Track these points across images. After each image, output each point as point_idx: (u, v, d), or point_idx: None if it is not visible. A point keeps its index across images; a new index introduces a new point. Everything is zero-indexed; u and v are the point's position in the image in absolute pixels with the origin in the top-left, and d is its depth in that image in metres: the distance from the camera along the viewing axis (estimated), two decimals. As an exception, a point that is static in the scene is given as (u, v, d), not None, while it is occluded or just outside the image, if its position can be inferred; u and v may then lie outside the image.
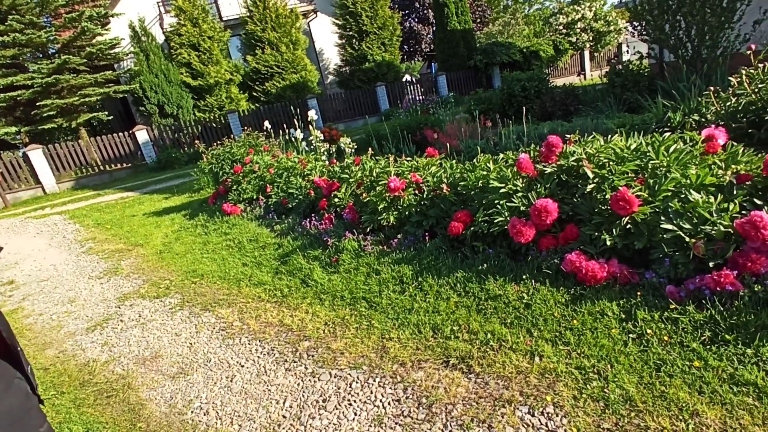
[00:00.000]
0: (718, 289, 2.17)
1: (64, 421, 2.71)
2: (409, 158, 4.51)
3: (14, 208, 12.63)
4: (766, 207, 2.29)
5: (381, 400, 2.32)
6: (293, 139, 8.06)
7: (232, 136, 11.79)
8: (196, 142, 9.26)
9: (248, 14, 18.29)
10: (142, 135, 15.38)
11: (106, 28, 16.43)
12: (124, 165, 15.31)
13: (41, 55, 15.90)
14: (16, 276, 5.97)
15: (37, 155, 13.81)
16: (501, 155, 3.65)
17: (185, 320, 3.76)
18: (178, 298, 4.24)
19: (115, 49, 16.83)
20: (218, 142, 8.67)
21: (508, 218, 3.03)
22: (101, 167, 15.01)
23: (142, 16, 16.72)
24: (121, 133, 15.38)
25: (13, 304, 4.98)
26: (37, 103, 14.61)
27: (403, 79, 20.24)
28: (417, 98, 18.15)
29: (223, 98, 17.67)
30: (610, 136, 3.33)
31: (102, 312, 4.31)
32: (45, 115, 14.84)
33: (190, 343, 3.37)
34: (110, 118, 16.91)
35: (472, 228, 3.26)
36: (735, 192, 2.48)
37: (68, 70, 15.37)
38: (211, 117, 16.87)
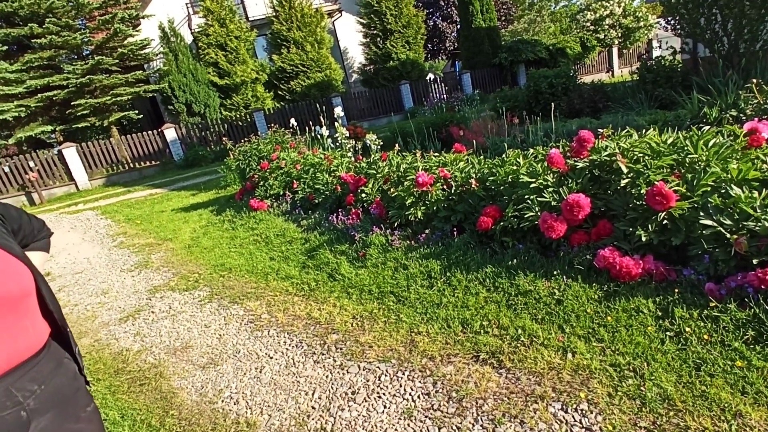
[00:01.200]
0: (762, 287, 2.09)
1: (101, 406, 2.80)
2: (436, 154, 4.49)
3: (49, 204, 13.12)
4: (814, 202, 2.19)
5: (411, 394, 2.31)
6: (319, 136, 8.12)
7: (258, 134, 11.97)
8: (224, 139, 9.44)
9: (274, 14, 18.51)
10: (170, 133, 15.75)
11: (137, 30, 16.90)
12: (153, 162, 15.71)
13: (76, 57, 16.45)
14: (51, 268, 6.20)
15: (71, 153, 14.30)
16: (530, 150, 3.60)
17: (214, 312, 3.83)
18: (206, 290, 4.33)
19: (146, 50, 17.29)
20: (245, 140, 8.81)
21: (539, 213, 2.98)
22: (131, 165, 15.44)
23: (171, 17, 17.11)
24: (150, 132, 15.78)
25: (50, 294, 5.16)
26: (72, 103, 15.12)
27: (427, 78, 20.15)
28: (442, 96, 18.07)
29: (249, 97, 17.94)
30: (644, 131, 3.24)
31: (134, 303, 4.43)
32: (79, 114, 15.35)
33: (220, 335, 3.43)
34: (140, 116, 17.36)
35: (501, 223, 3.22)
36: (780, 187, 2.38)
37: (101, 70, 15.87)
38: (238, 115, 17.15)
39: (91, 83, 15.32)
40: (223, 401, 2.66)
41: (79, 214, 10.10)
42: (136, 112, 16.89)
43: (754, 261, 2.18)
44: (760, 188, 2.39)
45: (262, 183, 6.80)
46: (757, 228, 2.22)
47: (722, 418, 1.75)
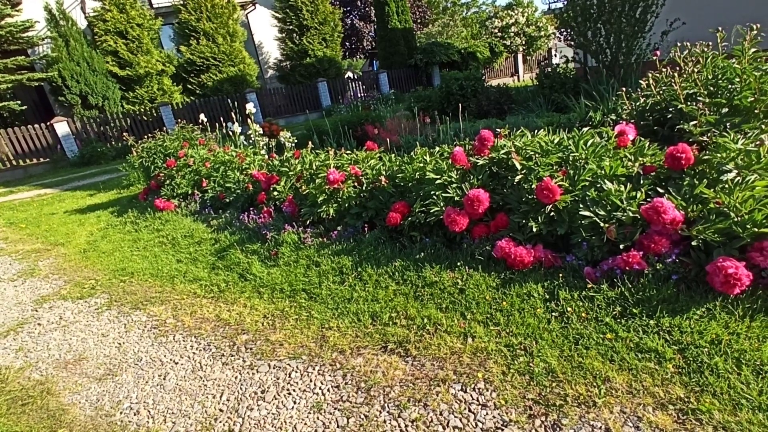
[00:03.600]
0: (627, 268, 2.40)
1: (-27, 432, 2.49)
2: (348, 152, 4.54)
3: None
4: (666, 194, 2.55)
5: (321, 388, 2.34)
6: (231, 133, 7.80)
7: (164, 129, 11.19)
8: (125, 135, 8.71)
9: (182, 2, 17.41)
10: (62, 127, 14.20)
11: (16, 9, 14.97)
12: (41, 160, 14.08)
13: (-61, 37, 14.23)
14: None
15: (-65, 148, 12.37)
16: (437, 148, 3.78)
17: (113, 320, 3.56)
18: (104, 297, 4.00)
19: (29, 33, 15.40)
20: (149, 136, 8.22)
21: (444, 208, 3.15)
22: (13, 162, 13.71)
23: (60, -1, 15.42)
24: (37, 126, 14.10)
25: None
26: (-65, 90, 13.08)
27: (345, 76, 20.20)
28: (359, 95, 18.21)
29: (154, 90, 16.72)
30: (536, 132, 3.55)
31: (16, 316, 3.97)
32: (-56, 103, 13.33)
33: (119, 344, 3.20)
34: (24, 108, 15.41)
35: (409, 218, 3.35)
36: (642, 181, 2.74)
37: (-28, 54, 13.89)
38: (142, 110, 15.90)
39: (-41, 68, 13.36)
40: (121, 413, 2.49)
41: (-55, 219, 8.77)
42: (19, 102, 14.97)
43: (621, 246, 2.50)
44: (626, 183, 2.74)
45: (168, 182, 6.40)
46: (623, 217, 2.55)
47: (594, 384, 1.99)
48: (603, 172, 2.82)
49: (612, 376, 2.00)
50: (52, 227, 6.78)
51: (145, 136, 8.56)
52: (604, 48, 7.91)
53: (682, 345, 2.04)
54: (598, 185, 2.76)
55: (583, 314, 2.36)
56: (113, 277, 4.40)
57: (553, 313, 2.44)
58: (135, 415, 2.45)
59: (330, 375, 2.42)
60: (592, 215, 2.63)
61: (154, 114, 15.88)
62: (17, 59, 14.55)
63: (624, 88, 4.21)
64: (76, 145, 14.37)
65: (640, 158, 2.91)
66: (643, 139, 3.11)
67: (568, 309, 2.41)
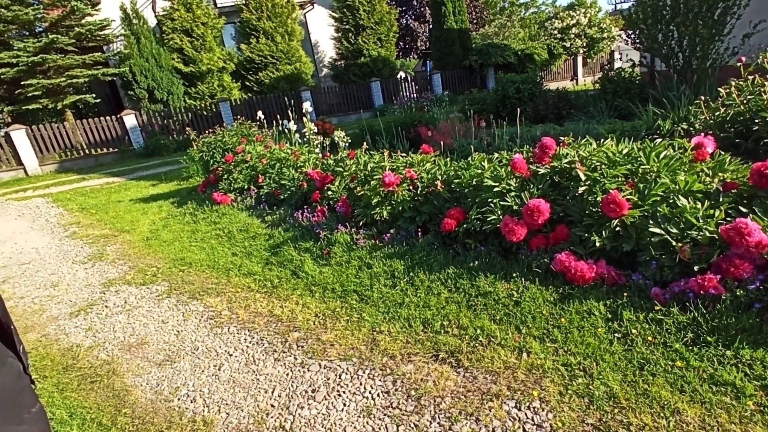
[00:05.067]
0: (701, 292, 2.24)
1: (48, 404, 2.68)
2: (403, 154, 4.53)
3: (-5, 188, 12.35)
4: (750, 214, 2.35)
5: (370, 392, 2.34)
6: (286, 130, 8.00)
7: (223, 124, 11.66)
8: (187, 129, 9.14)
9: (244, 2, 18.05)
10: (130, 120, 15.12)
11: (96, 9, 16.06)
12: (111, 150, 15.05)
13: (27, 33, 15.49)
14: (-4, 258, 5.85)
15: (19, 135, 13.50)
16: (495, 155, 3.69)
17: (172, 308, 3.73)
18: (165, 285, 4.20)
19: (105, 31, 16.49)
20: (209, 130, 8.58)
21: (501, 217, 3.07)
22: (87, 151, 14.73)
23: (134, -1, 16.40)
24: (108, 117, 15.10)
25: (-7, 286, 4.88)
26: (22, 83, 14.25)
27: (398, 76, 20.22)
28: (412, 95, 18.18)
29: (215, 86, 17.45)
30: (602, 141, 3.39)
31: (86, 297, 4.25)
32: (30, 95, 14.50)
33: (177, 331, 3.35)
34: (98, 101, 16.53)
35: (464, 225, 3.29)
36: (721, 199, 2.55)
37: (55, 49, 15.03)
38: (202, 105, 16.65)
39: (44, 62, 14.48)
40: (179, 399, 2.60)
41: (27, 201, 9.56)
42: (94, 96, 16.07)
43: (696, 268, 2.33)
44: (703, 199, 2.56)
45: (226, 176, 6.65)
46: (699, 237, 2.37)
47: (662, 415, 1.86)
48: (677, 187, 2.65)
49: (682, 408, 1.86)
50: (119, 214, 7.22)
51: (205, 131, 8.94)
52: (675, 51, 7.44)
53: (766, 381, 1.87)
54: (671, 201, 2.60)
55: (650, 338, 2.22)
56: (173, 265, 4.62)
57: (616, 334, 2.31)
58: (192, 402, 2.55)
59: (380, 380, 2.41)
60: (663, 233, 2.47)
61: (214, 109, 16.57)
62: (94, 55, 15.62)
63: (702, 97, 3.93)
64: (142, 137, 15.25)
65: (720, 174, 2.71)
66: (723, 152, 2.89)
67: (633, 331, 2.28)
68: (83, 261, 5.28)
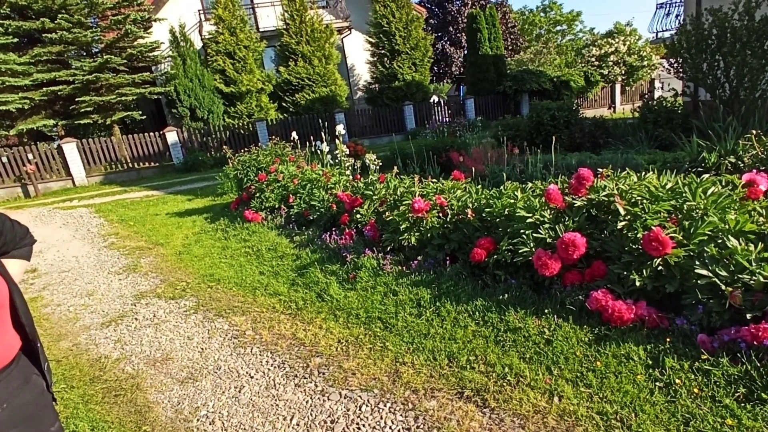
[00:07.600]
0: (755, 343, 2.06)
1: (71, 416, 2.71)
2: (434, 180, 4.48)
3: (44, 197, 13.01)
4: (810, 260, 2.17)
5: (391, 427, 2.25)
6: (319, 151, 8.12)
7: (259, 143, 11.98)
8: (224, 147, 9.44)
9: (284, 27, 18.72)
10: (171, 136, 15.76)
11: (148, 32, 17.02)
12: (152, 164, 15.68)
13: (84, 53, 16.52)
14: (39, 264, 6.10)
15: (70, 148, 14.25)
16: (529, 184, 3.60)
17: (198, 324, 3.76)
18: (193, 301, 4.25)
19: (155, 52, 17.40)
20: (245, 149, 8.81)
21: (534, 249, 2.96)
22: (130, 164, 15.40)
23: (183, 22, 17.27)
24: (152, 133, 15.80)
25: (33, 292, 5.06)
26: (76, 99, 15.13)
27: (431, 100, 20.37)
28: (444, 120, 18.22)
29: (253, 106, 18.02)
30: (643, 173, 3.25)
31: (118, 308, 4.34)
32: (82, 110, 15.35)
33: (202, 348, 3.36)
34: (143, 117, 17.35)
35: (495, 256, 3.19)
36: (776, 242, 2.37)
37: (108, 69, 15.93)
38: (240, 124, 17.20)
39: (97, 81, 15.36)
40: (198, 420, 2.57)
41: (72, 211, 10.00)
42: (140, 112, 16.89)
43: (748, 315, 2.16)
44: (756, 241, 2.38)
45: (258, 194, 6.77)
46: (752, 282, 2.20)
47: (709, 479, 1.70)
48: (726, 226, 2.49)
49: (733, 473, 1.69)
50: (155, 227, 7.43)
51: (242, 149, 9.18)
52: (722, 81, 7.18)
53: (830, 449, 1.68)
54: (720, 241, 2.43)
55: (696, 390, 2.05)
56: (202, 281, 4.68)
57: (657, 383, 2.15)
58: (210, 424, 2.52)
59: (401, 414, 2.32)
60: (711, 275, 2.31)
61: (251, 128, 17.07)
62: (143, 75, 16.47)
63: (753, 130, 3.73)
64: (182, 153, 15.84)
65: (775, 214, 2.53)
66: (777, 191, 2.71)
67: (677, 381, 2.12)
68: (118, 272, 5.43)
